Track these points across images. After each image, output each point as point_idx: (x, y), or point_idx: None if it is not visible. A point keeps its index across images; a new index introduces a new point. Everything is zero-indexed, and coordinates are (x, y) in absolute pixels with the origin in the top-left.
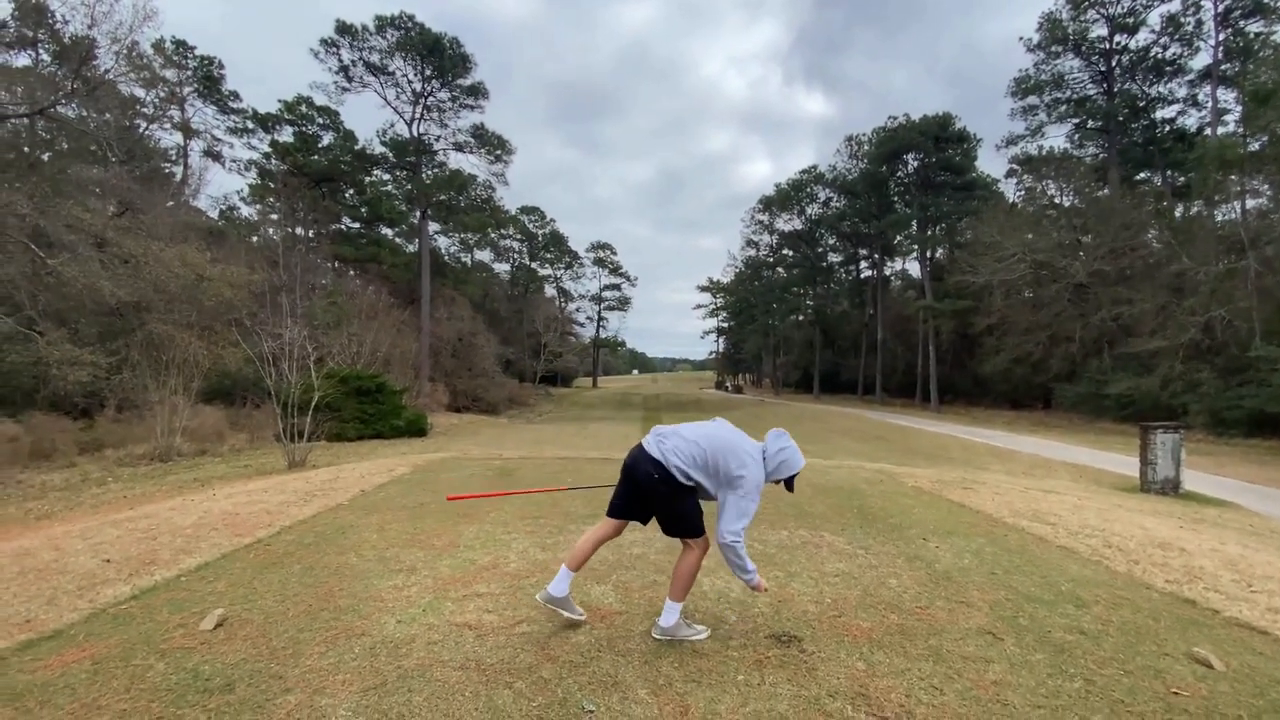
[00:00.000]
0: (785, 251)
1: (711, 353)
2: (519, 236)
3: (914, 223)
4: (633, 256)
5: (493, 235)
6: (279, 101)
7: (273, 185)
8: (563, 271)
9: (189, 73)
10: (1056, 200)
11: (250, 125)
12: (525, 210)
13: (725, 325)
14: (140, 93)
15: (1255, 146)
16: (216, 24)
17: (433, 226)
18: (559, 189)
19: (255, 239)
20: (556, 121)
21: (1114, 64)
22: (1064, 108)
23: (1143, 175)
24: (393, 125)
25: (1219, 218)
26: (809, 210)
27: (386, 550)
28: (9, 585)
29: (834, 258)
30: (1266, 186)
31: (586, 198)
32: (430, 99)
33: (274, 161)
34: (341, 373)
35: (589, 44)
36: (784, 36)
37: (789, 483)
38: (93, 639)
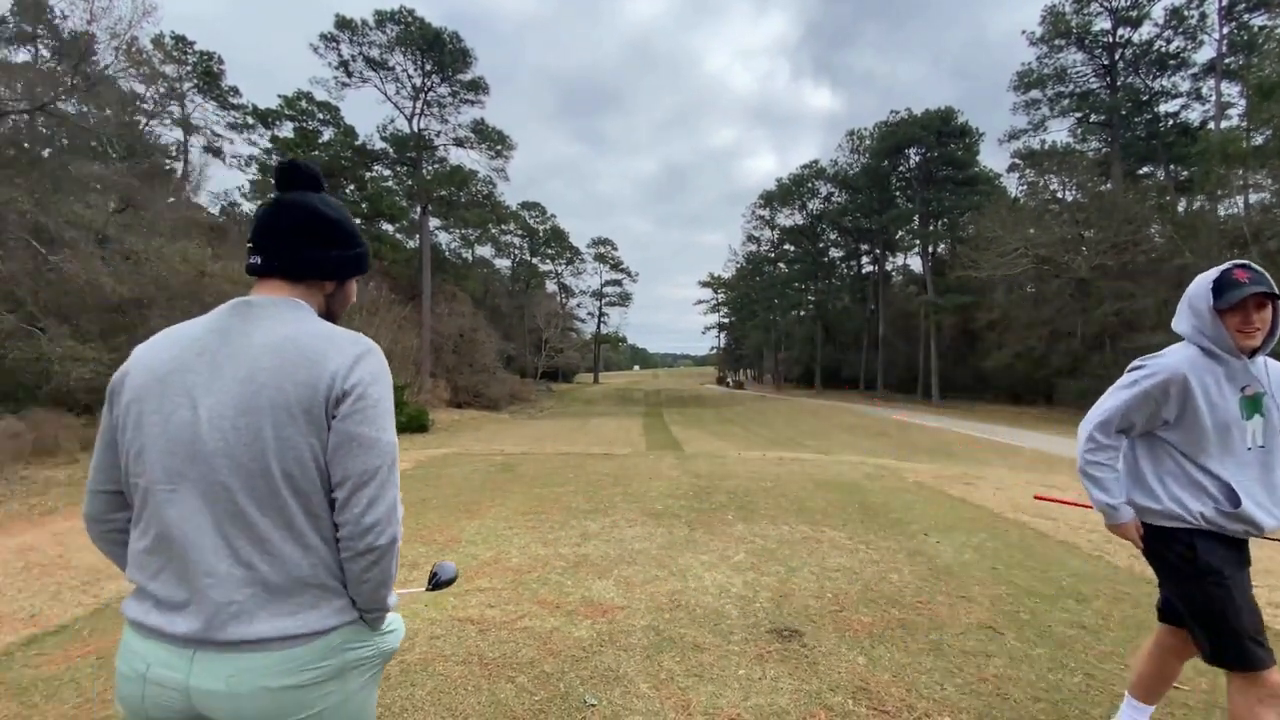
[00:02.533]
0: (786, 247)
1: (713, 348)
2: (520, 232)
3: (916, 218)
4: (636, 252)
5: (493, 231)
6: (279, 97)
7: (273, 181)
8: (564, 267)
9: (189, 68)
10: (1059, 195)
11: (250, 121)
12: (526, 206)
13: (727, 321)
14: (140, 88)
15: (1259, 140)
16: (216, 19)
17: (433, 222)
18: (562, 184)
19: None
20: (562, 115)
21: (1117, 57)
22: (1067, 101)
23: (1146, 170)
24: (393, 120)
25: (1222, 212)
26: (810, 205)
27: None
28: (14, 580)
29: (835, 253)
30: (1270, 181)
31: (590, 192)
32: (430, 94)
33: (274, 157)
34: None
35: (596, 37)
36: (792, 30)
37: (1220, 286)
38: (97, 634)
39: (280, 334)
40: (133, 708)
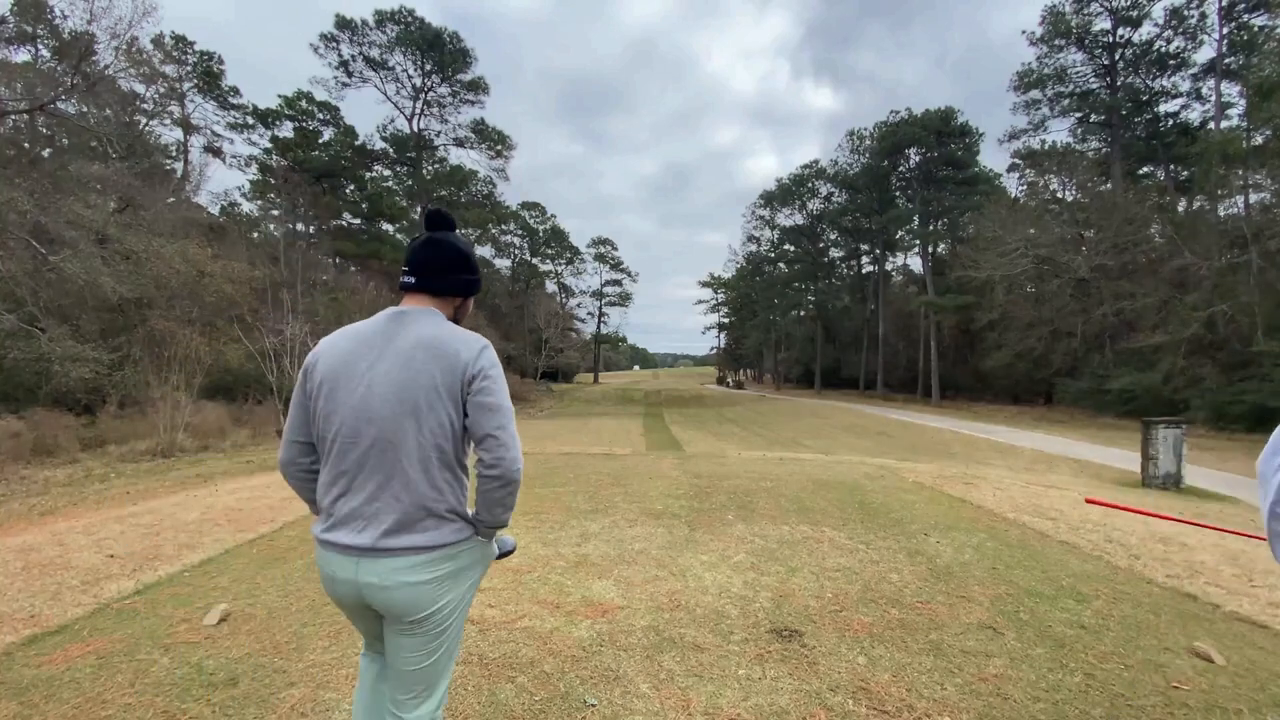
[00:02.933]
0: (786, 247)
1: (713, 348)
2: (520, 232)
3: (916, 218)
4: (636, 252)
5: (494, 231)
6: (279, 97)
7: (273, 181)
8: (564, 267)
9: (189, 68)
10: (1059, 195)
11: (250, 121)
12: (526, 206)
13: (726, 321)
14: (140, 88)
15: (1259, 140)
16: (216, 19)
17: None
18: (564, 184)
19: (256, 235)
20: (563, 115)
21: (1117, 57)
22: (1067, 101)
23: (1146, 169)
24: (393, 120)
25: (1222, 212)
26: (810, 205)
27: None
28: (14, 581)
29: (835, 253)
30: (1270, 181)
31: (591, 192)
32: (430, 94)
33: (274, 157)
34: None
35: (597, 37)
36: (793, 30)
37: None
38: (97, 634)
39: (427, 334)
40: (332, 597)
